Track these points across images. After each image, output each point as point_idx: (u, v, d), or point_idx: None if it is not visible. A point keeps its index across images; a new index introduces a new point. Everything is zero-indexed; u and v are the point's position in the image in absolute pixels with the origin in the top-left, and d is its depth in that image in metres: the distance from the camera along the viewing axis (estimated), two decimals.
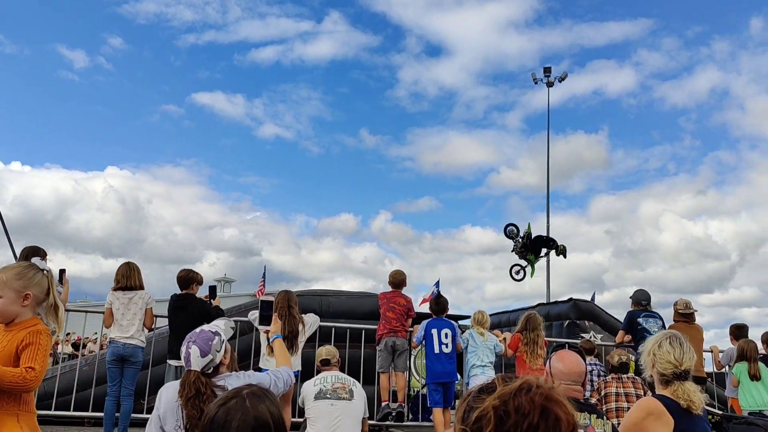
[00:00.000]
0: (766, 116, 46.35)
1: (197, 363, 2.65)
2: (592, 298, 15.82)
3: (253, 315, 5.56)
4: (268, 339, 4.60)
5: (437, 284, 16.49)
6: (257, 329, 6.11)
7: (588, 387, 7.49)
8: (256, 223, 58.52)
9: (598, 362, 7.83)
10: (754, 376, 7.19)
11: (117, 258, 66.16)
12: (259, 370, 5.27)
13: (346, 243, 63.28)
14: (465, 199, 54.64)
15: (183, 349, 2.71)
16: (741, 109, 48.38)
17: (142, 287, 6.33)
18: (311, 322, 6.43)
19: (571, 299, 12.79)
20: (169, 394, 2.76)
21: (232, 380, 2.72)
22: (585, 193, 57.10)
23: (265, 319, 3.92)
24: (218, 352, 2.71)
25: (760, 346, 8.08)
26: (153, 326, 6.77)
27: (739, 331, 8.08)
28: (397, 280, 7.35)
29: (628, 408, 4.31)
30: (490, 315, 13.46)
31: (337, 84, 54.78)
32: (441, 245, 56.11)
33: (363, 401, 5.59)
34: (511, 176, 49.37)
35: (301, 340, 6.09)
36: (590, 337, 10.28)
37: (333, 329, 7.63)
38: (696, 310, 7.68)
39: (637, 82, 48.65)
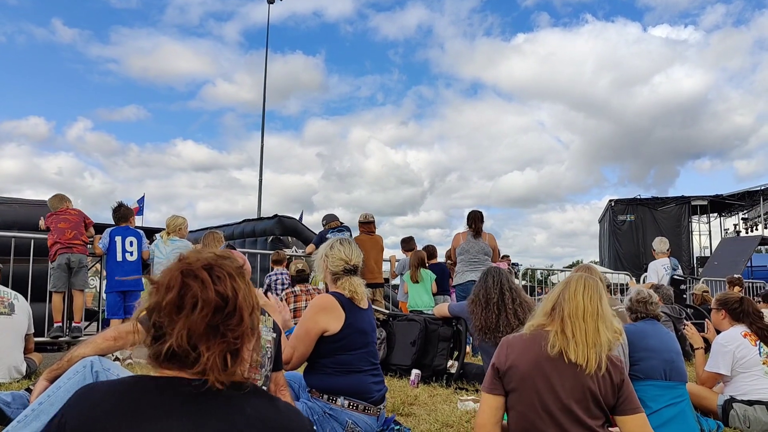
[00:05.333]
0: (460, 58, 52.55)
1: None
2: (300, 217, 16.74)
3: None
4: None
5: (141, 200, 15.54)
6: None
7: (274, 296, 8.02)
8: None
9: (285, 271, 8.36)
10: (413, 279, 8.49)
11: None
12: None
13: (36, 151, 54.57)
14: (177, 111, 51.39)
15: None
16: (441, 48, 53.69)
17: None
18: None
19: (276, 216, 13.26)
20: None
21: None
22: (300, 115, 58.38)
23: None
24: None
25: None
26: None
27: (405, 244, 9.40)
28: (55, 202, 6.74)
29: None
30: (197, 230, 13.28)
31: None
32: (150, 159, 52.55)
33: (27, 316, 5.17)
34: (227, 90, 47.71)
35: None
36: (293, 252, 10.88)
37: None
38: (373, 221, 8.71)
39: (355, 9, 50.22)
